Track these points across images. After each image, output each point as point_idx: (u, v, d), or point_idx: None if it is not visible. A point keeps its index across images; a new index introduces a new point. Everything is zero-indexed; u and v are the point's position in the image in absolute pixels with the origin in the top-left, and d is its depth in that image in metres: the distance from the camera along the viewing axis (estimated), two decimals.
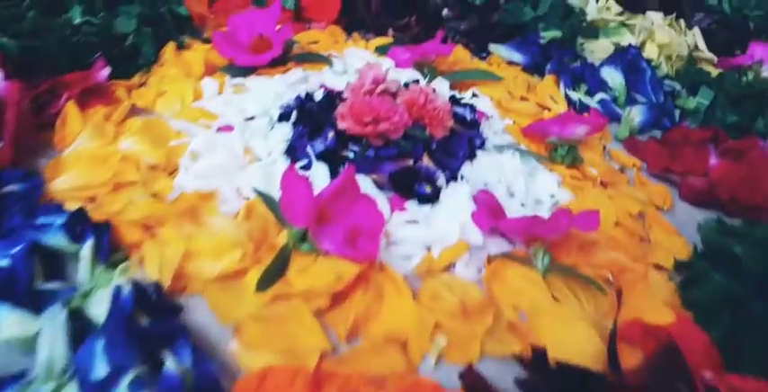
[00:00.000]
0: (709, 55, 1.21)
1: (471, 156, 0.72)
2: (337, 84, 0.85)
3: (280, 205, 0.57)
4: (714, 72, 1.12)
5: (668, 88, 1.02)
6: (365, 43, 1.02)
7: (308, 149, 0.65)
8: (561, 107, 0.93)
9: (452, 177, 0.68)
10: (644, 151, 0.87)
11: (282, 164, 0.64)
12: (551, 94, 0.95)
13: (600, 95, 0.98)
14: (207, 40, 0.91)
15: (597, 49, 1.18)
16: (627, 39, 1.19)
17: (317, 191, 0.56)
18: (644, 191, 0.77)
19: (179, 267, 0.51)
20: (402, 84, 0.80)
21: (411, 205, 0.63)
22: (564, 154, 0.77)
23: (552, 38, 1.08)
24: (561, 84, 0.99)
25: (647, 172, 0.84)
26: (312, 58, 0.90)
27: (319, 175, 0.63)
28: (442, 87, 0.90)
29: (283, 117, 0.70)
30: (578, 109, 0.94)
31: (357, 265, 0.53)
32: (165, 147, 0.65)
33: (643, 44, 1.19)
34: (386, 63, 0.94)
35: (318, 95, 0.80)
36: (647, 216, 0.72)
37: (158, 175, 0.62)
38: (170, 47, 0.83)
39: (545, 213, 0.69)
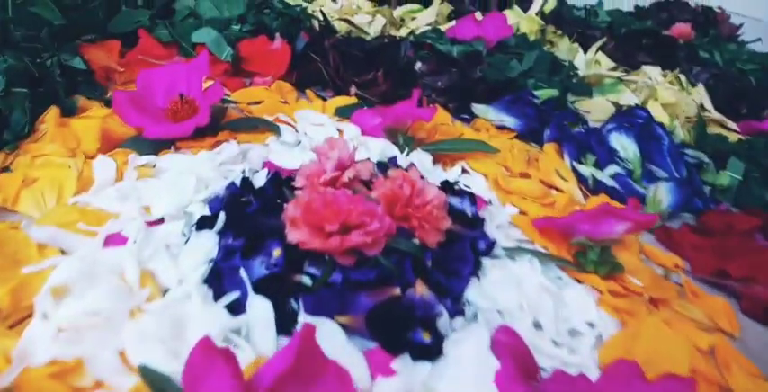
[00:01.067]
0: (717, 115, 1.05)
1: (477, 270, 0.51)
2: (287, 160, 0.63)
3: None
4: (732, 137, 0.96)
5: (691, 159, 0.84)
6: (322, 104, 0.81)
7: (242, 274, 0.42)
8: (571, 185, 0.73)
9: (456, 309, 0.46)
10: (682, 245, 0.68)
11: (200, 300, 0.41)
12: (557, 169, 0.75)
13: (612, 169, 0.79)
14: (108, 103, 0.68)
15: (593, 110, 1.00)
16: (627, 97, 1.02)
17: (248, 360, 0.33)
18: (702, 309, 0.57)
19: None
20: (375, 165, 0.58)
21: (402, 364, 0.41)
22: (596, 259, 0.56)
23: (548, 97, 0.90)
24: (565, 155, 0.80)
25: (691, 274, 0.64)
26: (252, 125, 0.68)
27: (258, 320, 0.40)
28: (423, 162, 0.69)
29: (205, 222, 0.47)
30: (592, 187, 0.75)
31: None
32: (12, 277, 0.41)
33: (644, 103, 1.03)
34: (349, 129, 0.73)
35: (260, 179, 0.58)
36: (718, 349, 0.52)
37: None
38: (52, 113, 0.60)
39: (586, 353, 0.48)
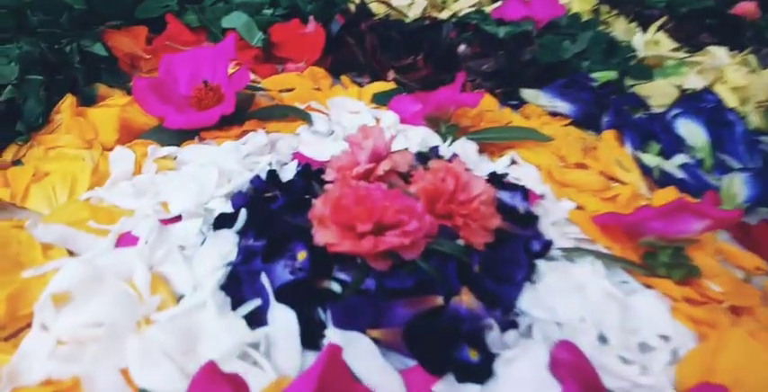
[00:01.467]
0: None
1: (532, 274, 0.45)
2: (318, 151, 0.58)
3: None
4: None
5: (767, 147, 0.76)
6: (358, 90, 0.75)
7: (263, 280, 0.37)
8: (635, 177, 0.66)
9: (508, 322, 0.40)
10: (762, 244, 0.60)
11: (215, 309, 0.36)
12: (618, 158, 0.68)
13: (680, 158, 0.71)
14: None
15: (655, 94, 0.92)
16: (691, 80, 0.93)
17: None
18: None
19: None
20: (414, 156, 0.53)
21: (445, 386, 0.35)
22: (669, 261, 0.49)
23: (607, 80, 0.82)
24: (627, 144, 0.72)
25: None
26: (282, 113, 0.63)
27: (280, 333, 0.35)
28: (467, 153, 0.63)
29: (223, 220, 0.42)
30: (657, 179, 0.67)
31: None
32: (11, 281, 0.37)
33: (711, 87, 0.94)
34: (387, 117, 0.68)
35: (289, 172, 0.53)
36: None
37: None
38: (68, 102, 0.56)
39: (661, 371, 0.41)
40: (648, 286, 0.49)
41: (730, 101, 0.89)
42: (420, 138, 0.63)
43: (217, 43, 0.79)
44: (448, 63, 0.81)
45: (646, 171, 0.68)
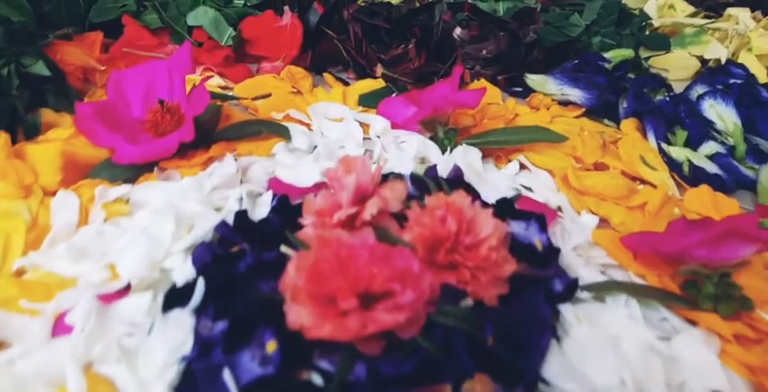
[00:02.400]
0: None
1: (555, 327, 0.37)
2: (299, 175, 0.50)
3: None
4: None
5: None
6: (342, 90, 0.66)
7: (225, 378, 0.30)
8: (663, 176, 0.58)
9: None
10: None
11: None
12: (642, 154, 0.59)
13: (710, 147, 0.63)
14: None
15: (673, 67, 0.83)
16: (714, 49, 0.84)
17: None
18: None
19: None
20: (409, 181, 0.45)
21: None
22: (714, 292, 0.42)
23: (622, 59, 0.73)
24: (649, 134, 0.64)
25: None
26: (255, 130, 0.55)
27: None
28: (470, 161, 0.55)
29: (175, 297, 0.35)
30: (690, 177, 0.59)
31: None
32: None
33: (734, 56, 0.85)
34: (376, 123, 0.59)
35: (264, 207, 0.46)
36: None
37: None
38: (1, 140, 0.47)
39: None
40: (691, 321, 0.41)
41: (757, 70, 0.80)
42: (414, 148, 0.55)
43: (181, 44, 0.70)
44: (442, 50, 0.72)
45: (673, 166, 0.60)
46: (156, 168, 0.49)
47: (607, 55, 0.74)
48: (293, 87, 0.66)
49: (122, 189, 0.46)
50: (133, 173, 0.48)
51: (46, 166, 0.47)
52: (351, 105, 0.64)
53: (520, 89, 0.73)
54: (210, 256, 0.38)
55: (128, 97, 0.52)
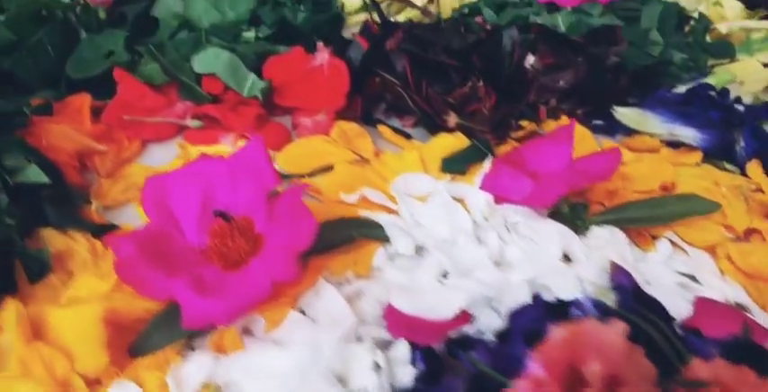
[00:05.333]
0: None
1: None
2: (421, 301, 0.37)
3: None
4: None
5: None
6: (417, 153, 0.53)
7: None
8: None
9: None
10: None
11: None
12: None
13: None
14: (101, 230, 0.41)
15: (747, 78, 0.73)
16: None
17: None
18: None
19: None
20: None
21: None
22: None
23: (726, 82, 0.62)
24: None
25: None
26: (345, 237, 0.41)
27: None
28: (619, 249, 0.43)
29: None
30: None
31: None
32: None
33: None
34: (475, 195, 0.47)
35: (406, 375, 0.32)
36: None
37: None
38: (11, 313, 0.32)
39: None
40: None
41: None
42: (555, 241, 0.42)
43: (197, 100, 0.55)
44: (511, 84, 0.59)
45: None
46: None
47: (709, 81, 0.62)
48: (353, 152, 0.52)
49: (202, 368, 0.32)
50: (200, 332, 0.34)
51: (83, 344, 0.32)
52: (432, 172, 0.51)
53: (599, 122, 0.62)
54: None
55: (176, 215, 0.37)
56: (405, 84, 0.57)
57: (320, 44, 0.58)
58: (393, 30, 0.59)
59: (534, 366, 0.28)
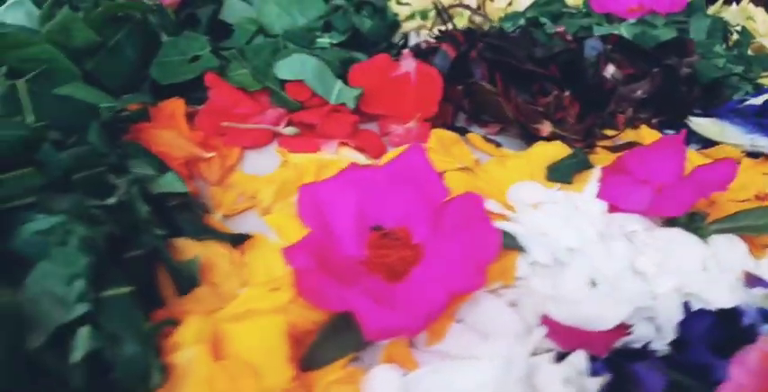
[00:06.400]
0: None
1: None
2: (576, 308, 0.37)
3: None
4: None
5: None
6: (524, 161, 0.52)
7: None
8: None
9: None
10: None
11: None
12: None
13: None
14: (238, 240, 0.39)
15: None
16: None
17: None
18: None
19: None
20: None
21: None
22: None
23: None
24: None
25: None
26: None
27: None
28: (738, 256, 0.43)
29: None
30: None
31: None
32: None
33: None
34: (591, 208, 0.46)
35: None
36: None
37: None
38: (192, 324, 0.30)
39: None
40: None
41: None
42: (687, 249, 0.42)
43: (286, 106, 0.54)
44: (592, 94, 0.60)
45: None
46: None
47: None
48: (451, 160, 0.51)
49: (392, 383, 0.31)
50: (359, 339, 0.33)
51: (268, 358, 0.30)
52: (538, 181, 0.50)
53: (672, 132, 0.62)
54: None
55: (332, 225, 0.35)
56: (502, 95, 0.57)
57: (406, 51, 0.57)
58: (475, 39, 0.59)
59: (740, 373, 0.28)
